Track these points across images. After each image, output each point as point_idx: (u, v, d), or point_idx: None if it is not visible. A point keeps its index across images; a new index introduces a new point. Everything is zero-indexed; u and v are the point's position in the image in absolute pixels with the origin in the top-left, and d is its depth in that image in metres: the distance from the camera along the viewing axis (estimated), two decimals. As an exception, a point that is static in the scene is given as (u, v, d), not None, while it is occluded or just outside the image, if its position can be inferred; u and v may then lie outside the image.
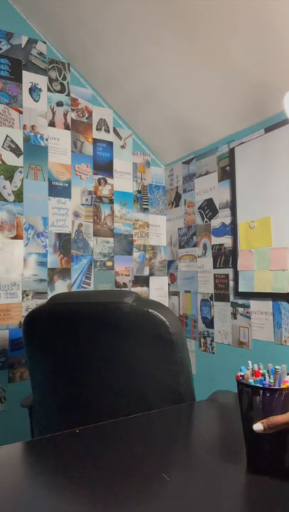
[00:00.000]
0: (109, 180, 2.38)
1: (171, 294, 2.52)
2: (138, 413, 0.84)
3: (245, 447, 0.71)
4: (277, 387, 0.67)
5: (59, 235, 2.17)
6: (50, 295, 2.10)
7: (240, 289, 1.95)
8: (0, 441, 1.89)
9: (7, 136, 2.04)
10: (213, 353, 2.14)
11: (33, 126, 2.13)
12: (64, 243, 2.19)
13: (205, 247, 2.22)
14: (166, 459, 0.71)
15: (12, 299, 2.00)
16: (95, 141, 2.35)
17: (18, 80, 2.10)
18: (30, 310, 1.37)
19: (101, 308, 1.16)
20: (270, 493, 0.60)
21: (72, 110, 2.28)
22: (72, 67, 2.29)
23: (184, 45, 1.77)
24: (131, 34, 1.89)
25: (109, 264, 2.34)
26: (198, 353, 2.24)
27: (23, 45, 2.13)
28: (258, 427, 0.57)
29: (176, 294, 2.47)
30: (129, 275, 2.41)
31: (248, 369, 0.74)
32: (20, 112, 2.10)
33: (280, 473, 0.65)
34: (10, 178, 2.04)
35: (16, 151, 2.07)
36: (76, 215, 2.24)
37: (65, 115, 2.24)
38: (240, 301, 1.97)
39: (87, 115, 2.33)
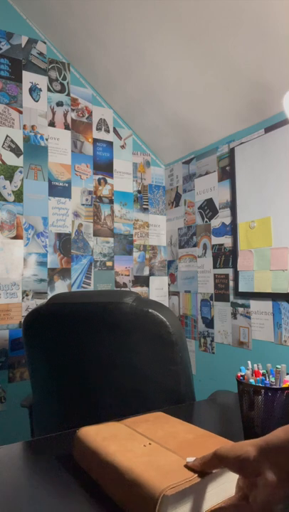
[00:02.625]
0: (109, 180, 2.38)
1: (171, 294, 2.52)
2: (138, 413, 0.84)
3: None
4: (278, 387, 0.67)
5: (59, 235, 2.17)
6: (50, 295, 2.10)
7: (240, 289, 1.95)
8: (0, 441, 1.89)
9: (7, 136, 2.04)
10: (213, 353, 2.14)
11: (33, 126, 2.13)
12: (64, 243, 2.19)
13: (205, 247, 2.22)
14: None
15: (12, 299, 2.00)
16: (95, 141, 2.35)
17: (18, 79, 2.10)
18: (30, 310, 1.37)
19: (101, 308, 1.16)
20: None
21: (72, 110, 2.28)
22: (72, 67, 2.29)
23: (184, 45, 1.77)
24: (131, 34, 1.89)
25: (109, 264, 2.34)
26: (198, 353, 2.24)
27: (23, 45, 2.13)
28: (190, 459, 0.54)
29: (176, 294, 2.47)
30: (129, 275, 2.41)
31: (247, 369, 0.74)
32: (21, 112, 2.10)
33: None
34: (10, 178, 2.04)
35: (16, 151, 2.07)
36: (76, 215, 2.24)
37: (65, 115, 2.24)
38: (240, 301, 1.97)
39: (87, 115, 2.33)
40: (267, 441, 0.45)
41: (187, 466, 0.53)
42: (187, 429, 0.68)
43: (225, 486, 0.55)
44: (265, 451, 0.44)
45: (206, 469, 0.52)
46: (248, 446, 0.46)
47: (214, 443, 0.62)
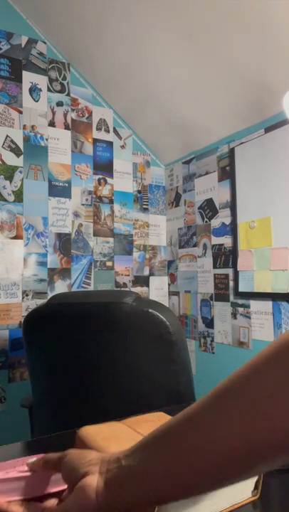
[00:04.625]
0: (109, 180, 2.38)
1: (171, 294, 2.52)
2: (138, 413, 0.84)
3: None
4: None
5: (59, 235, 2.17)
6: (50, 295, 2.10)
7: (240, 289, 1.95)
8: (0, 441, 1.89)
9: (7, 136, 2.04)
10: (213, 353, 2.14)
11: (33, 126, 2.13)
12: (64, 243, 2.19)
13: (205, 247, 2.22)
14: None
15: (12, 299, 2.00)
16: (95, 141, 2.35)
17: (18, 80, 2.10)
18: (30, 310, 1.37)
19: (101, 308, 1.16)
20: (271, 493, 0.60)
21: (72, 110, 2.27)
22: (73, 67, 2.29)
23: (184, 45, 1.77)
24: (131, 34, 1.89)
25: (109, 264, 2.34)
26: (198, 353, 2.24)
27: (23, 45, 2.13)
28: (31, 460, 0.49)
29: (176, 294, 2.47)
30: (129, 275, 2.41)
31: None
32: (20, 112, 2.09)
33: (280, 474, 0.65)
34: (10, 178, 2.04)
35: (16, 151, 2.07)
36: (76, 215, 2.24)
37: (65, 115, 2.24)
38: (240, 301, 1.97)
39: (87, 115, 2.33)
40: (110, 453, 0.41)
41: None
42: None
43: (225, 493, 0.55)
44: (103, 457, 0.41)
45: (47, 468, 0.47)
46: (91, 452, 0.43)
47: None
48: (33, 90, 2.15)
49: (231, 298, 2.02)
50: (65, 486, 0.47)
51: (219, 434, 0.33)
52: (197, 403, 0.37)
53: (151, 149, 2.56)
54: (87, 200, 2.29)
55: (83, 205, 2.27)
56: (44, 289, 2.10)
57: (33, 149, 2.12)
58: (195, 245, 2.30)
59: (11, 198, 2.03)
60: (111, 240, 2.36)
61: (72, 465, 0.42)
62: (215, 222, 2.15)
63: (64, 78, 2.26)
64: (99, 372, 1.17)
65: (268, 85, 1.68)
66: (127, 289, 2.40)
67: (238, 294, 1.97)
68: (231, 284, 2.02)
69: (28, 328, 1.26)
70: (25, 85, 2.12)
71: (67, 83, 2.27)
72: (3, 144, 2.03)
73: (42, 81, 2.18)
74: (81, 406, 1.19)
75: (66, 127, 2.24)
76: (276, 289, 1.76)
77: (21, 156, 2.08)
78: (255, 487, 0.58)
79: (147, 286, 2.48)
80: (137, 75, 2.11)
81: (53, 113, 2.20)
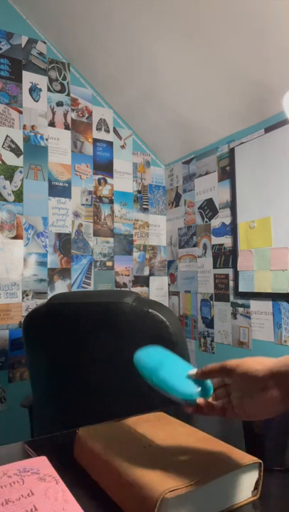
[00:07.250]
0: (109, 180, 2.38)
1: (171, 294, 2.52)
2: (138, 413, 0.84)
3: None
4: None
5: (59, 235, 2.17)
6: (50, 295, 2.10)
7: (240, 289, 1.95)
8: (0, 441, 1.89)
9: (7, 136, 2.04)
10: (213, 353, 2.14)
11: (33, 126, 2.13)
12: (64, 243, 2.19)
13: (205, 247, 2.22)
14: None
15: (12, 299, 2.00)
16: (95, 141, 2.35)
17: (18, 79, 2.10)
18: (30, 310, 1.38)
19: (101, 308, 1.16)
20: (271, 493, 0.60)
21: (72, 110, 2.28)
22: (73, 67, 2.29)
23: (184, 45, 1.77)
24: (131, 34, 1.89)
25: (109, 264, 2.34)
26: (198, 353, 2.24)
27: (23, 45, 2.13)
28: (192, 371, 0.62)
29: (176, 294, 2.47)
30: (129, 275, 2.41)
31: (248, 369, 0.74)
32: (21, 112, 2.10)
33: (280, 473, 0.65)
34: (10, 178, 2.04)
35: (16, 151, 2.07)
36: (76, 215, 2.24)
37: (65, 115, 2.24)
38: (240, 301, 1.97)
39: (87, 115, 2.33)
40: (277, 366, 0.53)
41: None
42: (188, 432, 0.68)
43: (226, 493, 0.55)
44: (274, 373, 0.52)
45: (208, 376, 0.59)
46: (258, 366, 0.54)
47: (215, 447, 0.62)
48: (33, 90, 2.15)
49: (231, 298, 2.02)
50: None
51: None
52: None
53: (151, 149, 2.56)
54: (87, 200, 2.29)
55: (83, 205, 2.27)
56: (44, 289, 2.10)
57: (33, 149, 2.12)
58: (195, 245, 2.31)
59: (11, 198, 2.03)
60: (111, 239, 2.36)
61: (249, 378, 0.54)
62: (215, 222, 2.15)
63: (64, 78, 2.26)
64: (99, 372, 1.17)
65: (268, 85, 1.68)
66: (127, 289, 2.40)
67: (238, 294, 1.97)
68: (231, 284, 2.02)
69: (28, 328, 1.26)
70: (25, 85, 2.12)
71: (67, 83, 2.27)
72: (3, 144, 2.03)
73: (42, 81, 2.18)
74: (81, 406, 1.19)
75: (66, 127, 2.24)
76: (276, 289, 1.76)
77: (21, 156, 2.08)
78: (255, 487, 0.58)
79: (147, 286, 2.48)
80: (137, 75, 2.11)
81: (53, 113, 2.20)
